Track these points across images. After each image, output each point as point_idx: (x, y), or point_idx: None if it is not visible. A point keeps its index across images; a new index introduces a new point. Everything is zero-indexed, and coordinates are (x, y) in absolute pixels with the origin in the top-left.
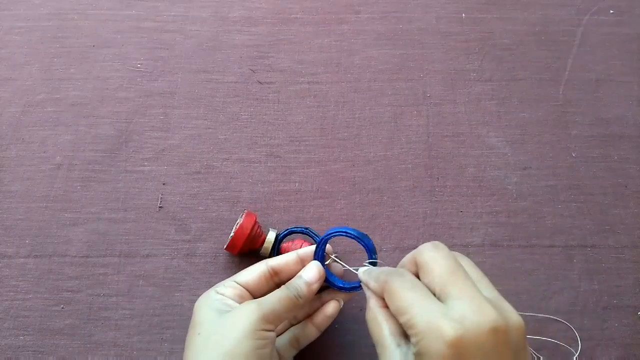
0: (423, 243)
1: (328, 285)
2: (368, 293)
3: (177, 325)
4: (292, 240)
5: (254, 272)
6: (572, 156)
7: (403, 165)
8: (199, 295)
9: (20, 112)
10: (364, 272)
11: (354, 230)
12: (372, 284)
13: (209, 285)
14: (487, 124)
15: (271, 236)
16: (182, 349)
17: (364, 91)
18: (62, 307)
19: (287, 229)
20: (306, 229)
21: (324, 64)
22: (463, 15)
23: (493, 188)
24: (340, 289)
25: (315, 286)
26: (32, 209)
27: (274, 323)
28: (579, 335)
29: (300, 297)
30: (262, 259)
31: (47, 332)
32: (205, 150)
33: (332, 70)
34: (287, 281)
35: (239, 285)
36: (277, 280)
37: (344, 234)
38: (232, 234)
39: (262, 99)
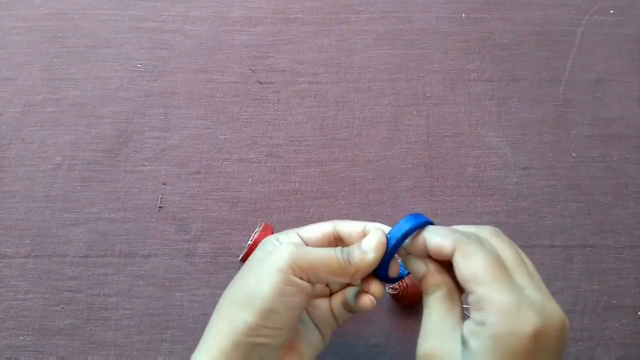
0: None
1: (375, 275)
2: (419, 266)
3: (177, 325)
4: None
5: (319, 230)
6: (572, 156)
7: (403, 165)
8: (199, 295)
9: (20, 112)
10: (429, 229)
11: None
12: (438, 239)
13: (209, 285)
14: (487, 124)
15: None
16: (182, 349)
17: (364, 91)
18: (62, 307)
19: None
20: None
21: (324, 64)
22: (463, 15)
23: (493, 188)
24: (385, 279)
25: (370, 256)
26: (32, 209)
27: (307, 273)
28: (579, 335)
29: (350, 264)
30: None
31: (47, 332)
32: (205, 150)
33: (332, 70)
34: None
35: (299, 238)
36: (340, 243)
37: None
38: (249, 243)
39: (262, 99)
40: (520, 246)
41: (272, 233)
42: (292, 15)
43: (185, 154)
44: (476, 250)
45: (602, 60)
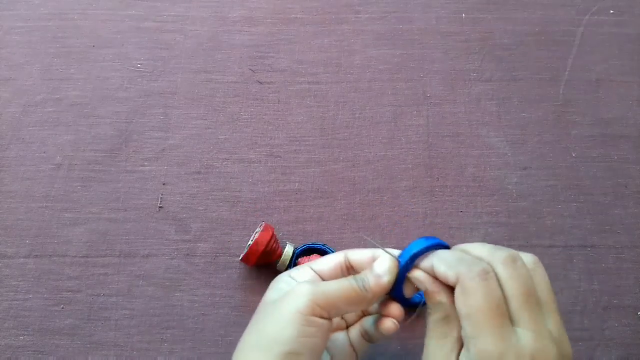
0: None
1: (393, 297)
2: (433, 287)
3: (177, 325)
4: (309, 255)
5: (331, 261)
6: (572, 156)
7: (403, 165)
8: (199, 295)
9: (20, 112)
10: (437, 255)
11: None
12: (443, 269)
13: (209, 285)
14: (487, 124)
15: (288, 251)
16: (182, 349)
17: (364, 91)
18: (62, 307)
19: (305, 245)
20: (323, 245)
21: (324, 64)
22: (463, 15)
23: (493, 188)
24: (402, 302)
25: (385, 279)
26: (32, 209)
27: (327, 310)
28: (579, 335)
29: (367, 290)
30: (278, 272)
31: (47, 332)
32: (205, 150)
33: (332, 70)
34: None
35: (312, 272)
36: (353, 274)
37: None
38: (249, 243)
39: (262, 99)
40: (520, 246)
41: (273, 233)
42: (292, 15)
43: (185, 154)
44: (476, 289)
45: (602, 60)
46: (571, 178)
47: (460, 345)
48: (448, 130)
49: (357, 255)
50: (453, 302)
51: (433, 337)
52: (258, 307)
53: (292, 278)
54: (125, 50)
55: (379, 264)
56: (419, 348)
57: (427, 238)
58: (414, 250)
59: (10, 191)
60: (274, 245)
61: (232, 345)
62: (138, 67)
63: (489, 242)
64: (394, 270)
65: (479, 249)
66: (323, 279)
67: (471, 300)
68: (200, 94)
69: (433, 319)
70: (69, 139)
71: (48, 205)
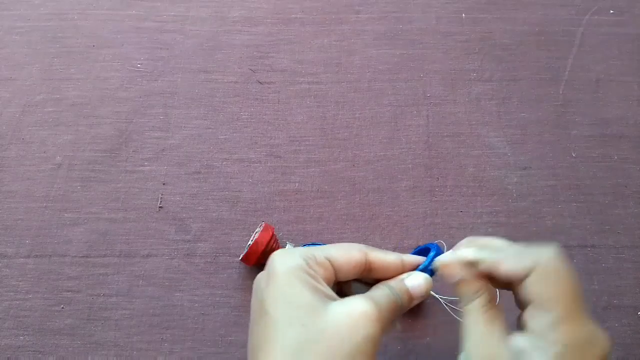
0: (421, 243)
1: None
2: (456, 271)
3: (177, 325)
4: None
5: (351, 260)
6: (572, 156)
7: (403, 165)
8: (199, 295)
9: (20, 112)
10: (493, 249)
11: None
12: (513, 263)
13: (209, 285)
14: (487, 124)
15: None
16: (182, 349)
17: (364, 91)
18: (62, 307)
19: (304, 245)
20: (323, 245)
21: (324, 64)
22: (463, 15)
23: (493, 188)
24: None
25: (417, 301)
26: (32, 209)
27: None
28: None
29: (402, 307)
30: None
31: (47, 332)
32: (205, 150)
33: (332, 70)
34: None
35: (331, 267)
36: (366, 275)
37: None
38: (249, 243)
39: (262, 99)
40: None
41: (273, 233)
42: (292, 15)
43: (185, 154)
44: (562, 272)
45: (602, 60)
46: (571, 178)
47: (505, 329)
48: (448, 130)
49: (381, 260)
50: (491, 287)
51: (479, 324)
52: (293, 309)
53: (314, 272)
54: (125, 50)
55: (416, 287)
56: (420, 348)
57: (434, 246)
58: (432, 259)
59: (10, 191)
60: (274, 245)
61: (232, 345)
62: (138, 67)
63: None
64: (429, 290)
65: (519, 249)
66: (337, 274)
67: (559, 285)
68: (200, 94)
69: (475, 306)
70: (69, 139)
71: (48, 205)
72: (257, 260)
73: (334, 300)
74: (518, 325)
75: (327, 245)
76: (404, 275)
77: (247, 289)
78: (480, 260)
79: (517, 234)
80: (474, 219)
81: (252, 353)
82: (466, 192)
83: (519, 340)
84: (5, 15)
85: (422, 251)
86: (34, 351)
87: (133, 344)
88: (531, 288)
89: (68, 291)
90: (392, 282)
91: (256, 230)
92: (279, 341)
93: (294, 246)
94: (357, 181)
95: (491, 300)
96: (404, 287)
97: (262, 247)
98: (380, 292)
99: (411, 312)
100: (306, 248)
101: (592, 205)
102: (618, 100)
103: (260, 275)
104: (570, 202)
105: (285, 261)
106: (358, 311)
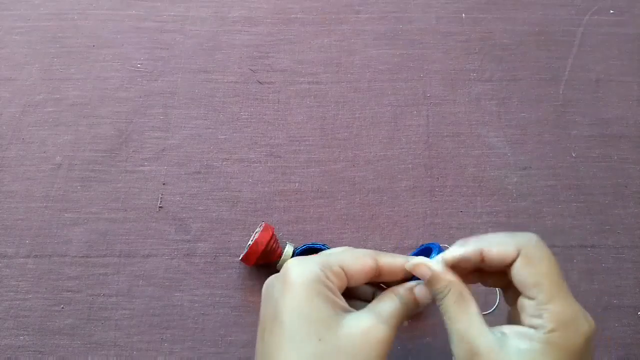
0: (421, 243)
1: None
2: (424, 269)
3: (177, 325)
4: (309, 256)
5: (364, 268)
6: (572, 156)
7: (403, 165)
8: (199, 295)
9: (20, 112)
10: (483, 240)
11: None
12: (500, 248)
13: (209, 285)
14: (487, 124)
15: (288, 251)
16: (182, 349)
17: (364, 91)
18: (62, 307)
19: (305, 245)
20: (323, 245)
21: (324, 64)
22: (463, 15)
23: (493, 188)
24: None
25: (421, 308)
26: (32, 209)
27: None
28: None
29: (410, 314)
30: (277, 273)
31: (47, 332)
32: (205, 150)
33: (332, 70)
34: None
35: (345, 276)
36: (375, 279)
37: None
38: (249, 243)
39: (262, 99)
40: None
41: (273, 233)
42: (292, 15)
43: (185, 154)
44: (542, 255)
45: (602, 60)
46: (571, 178)
47: (481, 316)
48: (448, 130)
49: (390, 264)
50: (460, 280)
51: (457, 317)
52: (312, 322)
53: (332, 283)
54: (125, 50)
55: (422, 293)
56: (420, 348)
57: (435, 245)
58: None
59: (10, 191)
60: (274, 245)
61: (232, 345)
62: (138, 67)
63: None
64: (430, 299)
65: (500, 236)
66: (349, 281)
67: (539, 268)
68: (200, 94)
69: (449, 301)
70: (69, 139)
71: (48, 205)
72: (257, 260)
73: (347, 312)
74: (509, 321)
75: (338, 251)
76: (413, 284)
77: (247, 289)
78: (466, 255)
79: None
80: (474, 219)
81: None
82: (466, 192)
83: (503, 328)
84: (5, 15)
85: (423, 251)
86: (34, 351)
87: (133, 344)
88: (516, 276)
89: (68, 291)
90: (402, 291)
91: (256, 230)
92: (295, 354)
93: (294, 246)
94: (357, 181)
95: (462, 292)
96: (413, 296)
97: (262, 247)
98: (390, 304)
99: None
100: (321, 256)
101: (592, 205)
102: (618, 100)
103: (273, 281)
104: (570, 202)
105: (303, 272)
106: (372, 332)
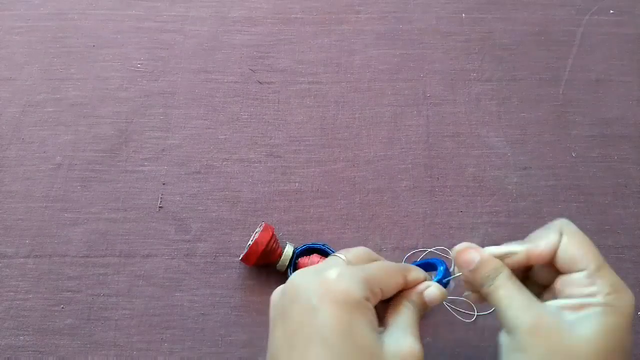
0: (421, 243)
1: None
2: (473, 255)
3: (177, 325)
4: (309, 255)
5: (397, 287)
6: (572, 156)
7: (403, 165)
8: (199, 295)
9: (20, 112)
10: (530, 238)
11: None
12: (550, 232)
13: (209, 285)
14: (487, 124)
15: (288, 251)
16: (182, 349)
17: (364, 91)
18: (62, 307)
19: (305, 245)
20: (323, 245)
21: (324, 64)
22: (463, 15)
23: (493, 188)
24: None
25: (429, 310)
26: (32, 209)
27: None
28: None
29: (421, 317)
30: (277, 272)
31: (47, 332)
32: (205, 150)
33: (332, 70)
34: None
35: (381, 294)
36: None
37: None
38: (249, 243)
39: (262, 99)
40: None
41: (273, 233)
42: (292, 15)
43: (185, 154)
44: (580, 232)
45: (602, 60)
46: (571, 178)
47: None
48: (448, 130)
49: (415, 280)
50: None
51: (514, 295)
52: (357, 347)
53: (372, 305)
54: (125, 50)
55: (431, 296)
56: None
57: (435, 260)
58: (444, 272)
59: (10, 191)
60: (274, 245)
61: (232, 345)
62: (138, 67)
63: (489, 242)
64: (443, 299)
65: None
66: (382, 298)
67: (585, 240)
68: (200, 94)
69: (503, 280)
70: (69, 139)
71: (48, 205)
72: (257, 260)
73: (381, 333)
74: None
75: (374, 267)
76: (422, 287)
77: (247, 289)
78: (513, 252)
79: (517, 234)
80: (474, 219)
81: None
82: (466, 192)
83: (558, 302)
84: (5, 15)
85: (424, 266)
86: (34, 351)
87: (133, 344)
88: (564, 254)
89: (68, 291)
90: (414, 296)
91: (256, 230)
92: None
93: (294, 246)
94: (357, 181)
95: (512, 274)
96: (423, 299)
97: (262, 247)
98: (409, 314)
99: None
100: (364, 273)
101: (592, 205)
102: (618, 100)
103: (307, 283)
104: (570, 202)
105: (350, 289)
106: (411, 355)
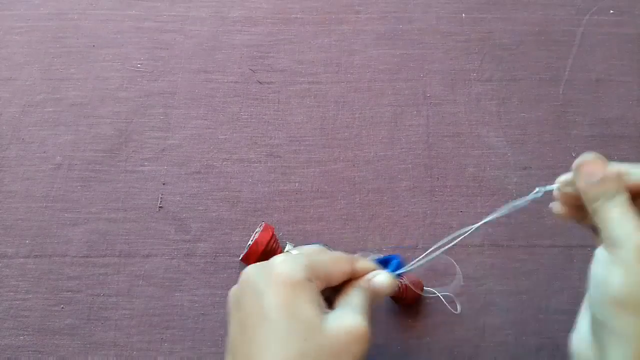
0: (421, 243)
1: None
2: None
3: (177, 325)
4: None
5: (343, 274)
6: (572, 156)
7: (403, 165)
8: (199, 295)
9: (20, 112)
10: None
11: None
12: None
13: (209, 285)
14: (487, 124)
15: (288, 250)
16: (182, 349)
17: (364, 91)
18: (62, 307)
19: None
20: (324, 245)
21: (324, 64)
22: (463, 15)
23: (493, 188)
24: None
25: (381, 297)
26: (32, 209)
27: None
28: None
29: (372, 303)
30: None
31: (47, 332)
32: (205, 150)
33: (332, 70)
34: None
35: (327, 279)
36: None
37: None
38: (249, 243)
39: (262, 99)
40: (521, 246)
41: (273, 233)
42: (292, 15)
43: (185, 154)
44: None
45: (602, 60)
46: None
47: None
48: (448, 130)
49: (363, 269)
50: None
51: (629, 216)
52: (299, 322)
53: (317, 288)
54: (125, 50)
55: (379, 282)
56: (420, 348)
57: (391, 256)
58: (396, 266)
59: (10, 191)
60: (274, 245)
61: None
62: (138, 67)
63: (489, 242)
64: (392, 286)
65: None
66: (328, 285)
67: None
68: (200, 94)
69: (620, 201)
70: (69, 139)
71: (48, 205)
72: (257, 260)
73: (327, 312)
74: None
75: (318, 252)
76: (371, 275)
77: None
78: (637, 173)
79: (517, 234)
80: (474, 219)
81: (244, 355)
82: (466, 192)
83: None
84: (5, 15)
85: (382, 262)
86: (34, 351)
87: (133, 344)
88: None
89: (68, 291)
90: (363, 283)
91: (256, 230)
92: (281, 353)
93: (294, 246)
94: (357, 181)
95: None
96: (372, 286)
97: (262, 247)
98: (360, 297)
99: (411, 312)
100: (307, 258)
101: None
102: (618, 100)
103: (256, 273)
104: None
105: (292, 271)
106: (355, 328)
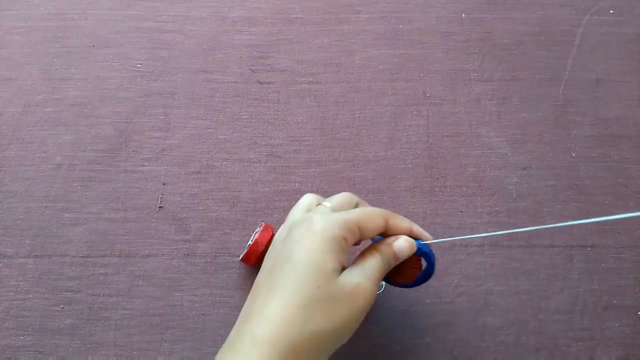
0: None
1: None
2: None
3: (177, 325)
4: None
5: (376, 228)
6: (572, 156)
7: (403, 165)
8: (199, 295)
9: (20, 112)
10: None
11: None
12: None
13: (209, 285)
14: (487, 124)
15: None
16: (182, 349)
17: (364, 91)
18: (62, 307)
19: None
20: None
21: (324, 64)
22: (463, 15)
23: (493, 188)
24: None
25: (399, 261)
26: (32, 209)
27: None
28: (579, 335)
29: (389, 268)
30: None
31: (47, 332)
32: (205, 150)
33: (332, 70)
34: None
35: (359, 234)
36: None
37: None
38: (249, 243)
39: (262, 99)
40: (520, 246)
41: (273, 233)
42: (292, 15)
43: (185, 154)
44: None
45: (602, 60)
46: (571, 178)
47: None
48: (448, 130)
49: (397, 225)
50: None
51: None
52: (318, 272)
53: (348, 244)
54: (125, 50)
55: (400, 247)
56: (420, 348)
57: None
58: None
59: (10, 191)
60: None
61: None
62: (138, 67)
63: (489, 242)
64: (412, 251)
65: None
66: (362, 238)
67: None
68: (200, 94)
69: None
70: (69, 139)
71: (48, 205)
72: (257, 260)
73: (345, 269)
74: None
75: (355, 210)
76: (392, 239)
77: (247, 288)
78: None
79: (517, 234)
80: (474, 219)
81: (264, 290)
82: (466, 192)
83: None
84: (5, 15)
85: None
86: (34, 351)
87: (133, 344)
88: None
89: (68, 291)
90: (383, 247)
91: (256, 230)
92: (296, 294)
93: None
94: (357, 181)
95: None
96: (392, 250)
97: (262, 247)
98: (374, 262)
99: (411, 312)
100: (344, 216)
101: (592, 205)
102: (618, 100)
103: (297, 225)
104: (570, 202)
105: (326, 227)
106: (360, 287)
